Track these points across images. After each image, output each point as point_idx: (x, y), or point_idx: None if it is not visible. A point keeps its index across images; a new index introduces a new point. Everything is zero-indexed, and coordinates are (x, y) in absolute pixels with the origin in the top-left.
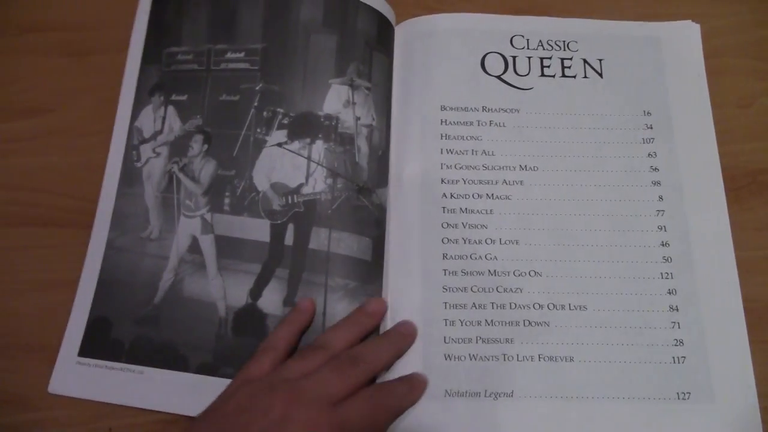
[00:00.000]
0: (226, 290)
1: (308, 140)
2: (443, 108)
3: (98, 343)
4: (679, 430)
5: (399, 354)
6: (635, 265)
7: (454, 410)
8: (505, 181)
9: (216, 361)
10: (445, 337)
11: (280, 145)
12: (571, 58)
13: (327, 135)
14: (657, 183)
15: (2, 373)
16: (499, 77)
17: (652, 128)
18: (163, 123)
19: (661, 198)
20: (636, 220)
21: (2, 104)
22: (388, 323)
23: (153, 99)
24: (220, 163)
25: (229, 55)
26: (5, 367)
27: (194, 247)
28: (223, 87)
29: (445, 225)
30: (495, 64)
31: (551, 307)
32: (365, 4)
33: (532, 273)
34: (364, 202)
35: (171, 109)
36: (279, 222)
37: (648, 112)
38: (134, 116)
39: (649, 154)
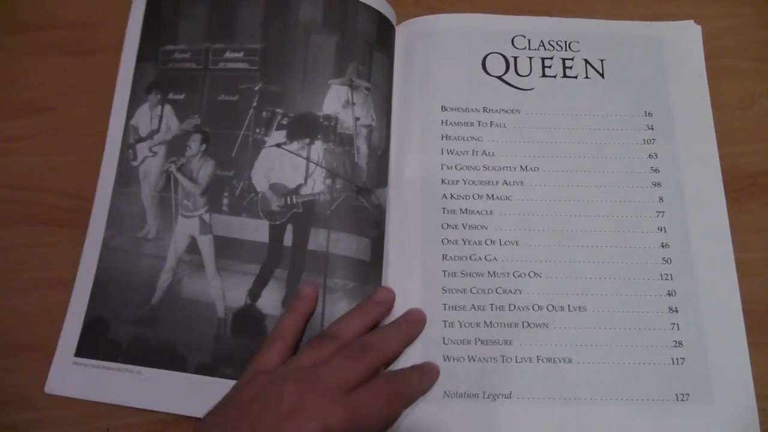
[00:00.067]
0: (224, 291)
1: (307, 141)
2: (444, 108)
3: (95, 344)
4: (678, 431)
5: (409, 341)
6: (635, 266)
7: (452, 411)
8: (505, 182)
9: (215, 361)
10: (444, 338)
11: (279, 145)
12: (572, 59)
13: (326, 135)
14: (657, 184)
15: None
16: (500, 78)
17: (652, 129)
18: (159, 122)
19: (661, 199)
20: (636, 221)
21: (1, 103)
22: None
23: (149, 97)
24: (219, 163)
25: (227, 54)
26: (2, 367)
27: (193, 247)
28: (221, 87)
29: (445, 226)
30: (496, 65)
31: (550, 308)
32: (365, 4)
33: (532, 274)
34: (363, 203)
35: (168, 107)
36: (278, 222)
37: (649, 113)
38: (130, 114)
39: (649, 155)
